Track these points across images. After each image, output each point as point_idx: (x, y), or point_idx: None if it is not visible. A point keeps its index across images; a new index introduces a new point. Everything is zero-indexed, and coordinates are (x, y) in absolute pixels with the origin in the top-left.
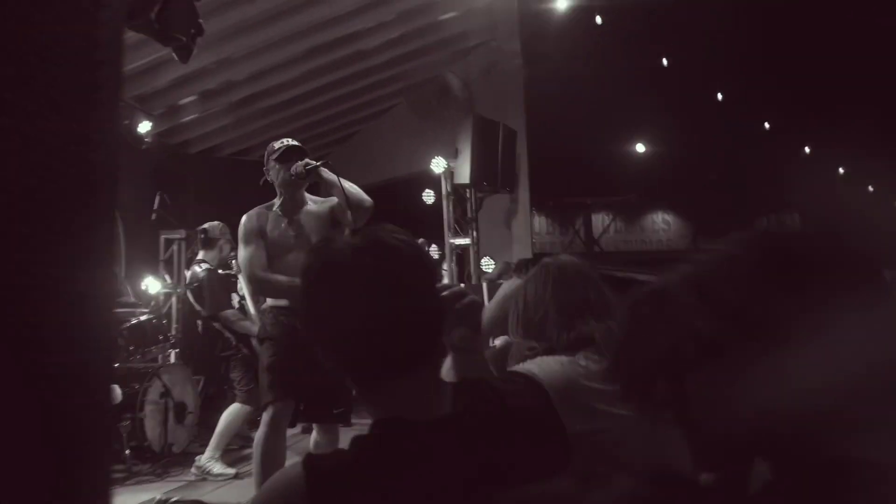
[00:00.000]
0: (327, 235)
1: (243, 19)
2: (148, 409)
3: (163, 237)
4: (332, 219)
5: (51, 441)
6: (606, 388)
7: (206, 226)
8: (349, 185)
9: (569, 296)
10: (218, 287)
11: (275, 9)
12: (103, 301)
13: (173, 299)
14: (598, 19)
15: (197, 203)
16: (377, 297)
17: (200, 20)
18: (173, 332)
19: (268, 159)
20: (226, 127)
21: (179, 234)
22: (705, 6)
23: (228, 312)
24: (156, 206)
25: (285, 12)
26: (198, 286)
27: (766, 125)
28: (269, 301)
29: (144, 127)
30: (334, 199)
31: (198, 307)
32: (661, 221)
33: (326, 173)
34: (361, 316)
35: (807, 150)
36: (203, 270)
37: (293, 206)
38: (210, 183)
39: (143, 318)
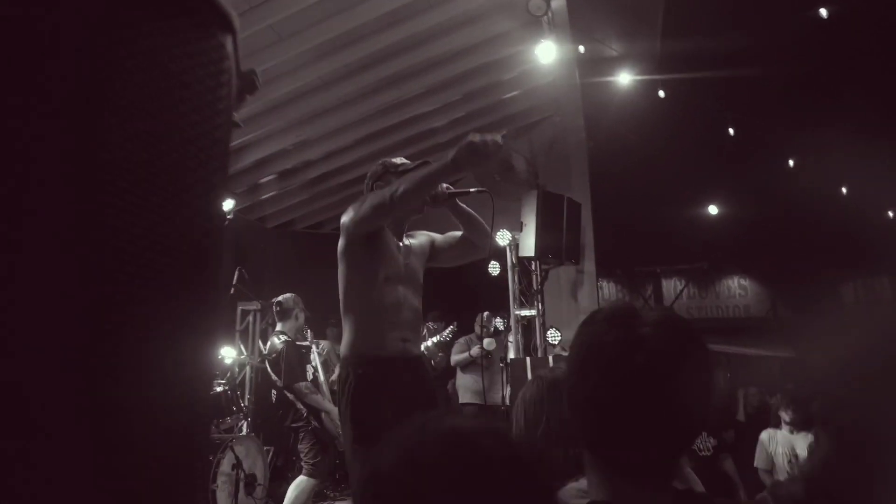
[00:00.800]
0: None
1: (320, 105)
2: (220, 480)
3: (240, 308)
4: (430, 254)
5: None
6: None
7: (280, 298)
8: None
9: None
10: (295, 359)
11: (347, 95)
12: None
13: (247, 369)
14: (661, 93)
15: (272, 275)
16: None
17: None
18: (246, 403)
19: (385, 173)
20: (301, 203)
21: (255, 305)
22: (772, 78)
23: (302, 385)
24: (234, 281)
25: (358, 98)
26: (276, 357)
27: (844, 190)
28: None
29: (228, 205)
30: (432, 234)
31: (274, 377)
32: (738, 286)
33: (461, 202)
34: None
35: (890, 213)
36: (281, 342)
37: (400, 232)
38: (285, 256)
39: (218, 388)
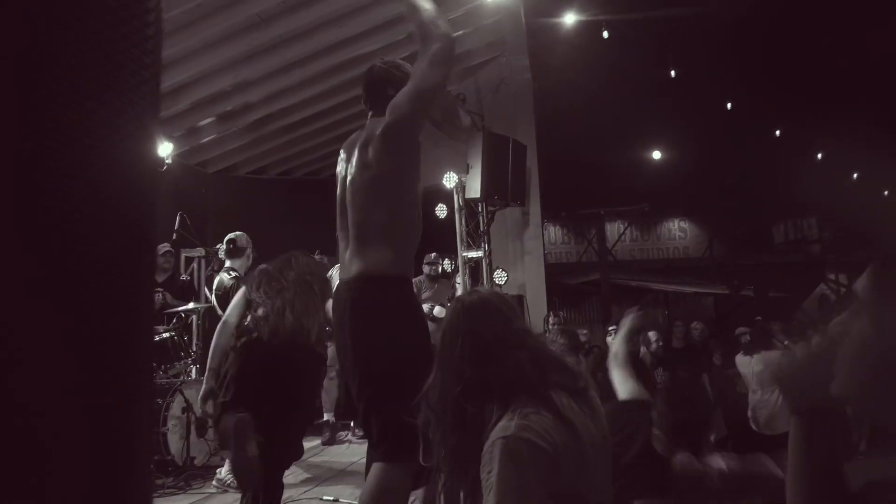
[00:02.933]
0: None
1: (258, 44)
2: (171, 423)
3: (183, 255)
4: None
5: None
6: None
7: (232, 236)
8: None
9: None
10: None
11: (289, 33)
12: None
13: (194, 316)
14: (605, 33)
15: (215, 221)
16: None
17: None
18: (194, 349)
19: (394, 73)
20: (243, 146)
21: (199, 252)
22: (709, 18)
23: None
24: (177, 226)
25: (299, 36)
26: (224, 293)
27: (777, 132)
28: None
29: (165, 149)
30: None
31: (221, 313)
32: (677, 229)
33: None
34: None
35: (819, 155)
36: (231, 278)
37: None
38: (228, 201)
39: (165, 335)
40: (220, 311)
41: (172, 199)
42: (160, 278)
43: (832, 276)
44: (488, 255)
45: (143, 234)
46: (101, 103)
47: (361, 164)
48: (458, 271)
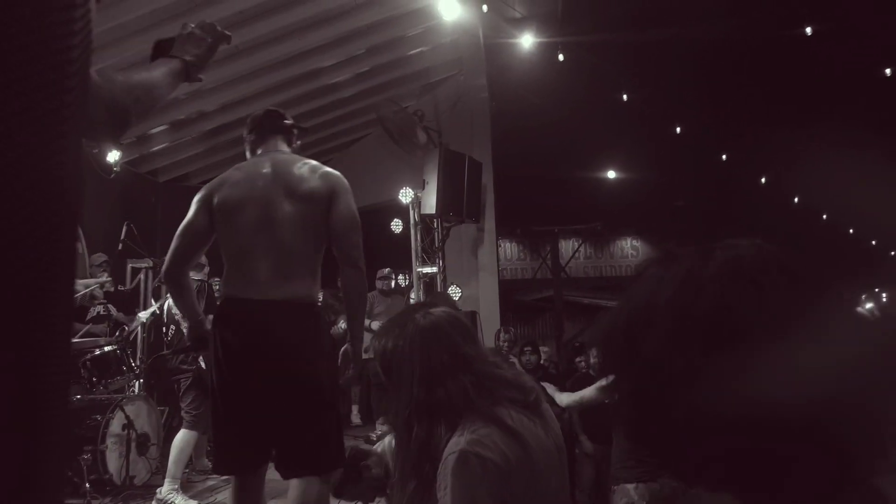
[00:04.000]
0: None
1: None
2: (110, 441)
3: (129, 266)
4: None
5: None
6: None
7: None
8: None
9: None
10: (207, 299)
11: (246, 43)
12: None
13: (139, 329)
14: (560, 56)
15: (165, 232)
16: None
17: None
18: (138, 363)
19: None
20: (196, 156)
21: (146, 262)
22: (662, 44)
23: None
24: (123, 236)
25: (256, 46)
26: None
27: (724, 156)
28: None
29: (113, 156)
30: None
31: (176, 311)
32: (630, 247)
33: None
34: None
35: (763, 179)
36: (196, 281)
37: None
38: (179, 211)
39: (106, 348)
40: (182, 320)
41: (120, 207)
42: (99, 290)
43: None
44: (443, 270)
45: (58, 237)
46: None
47: (298, 199)
48: (412, 287)
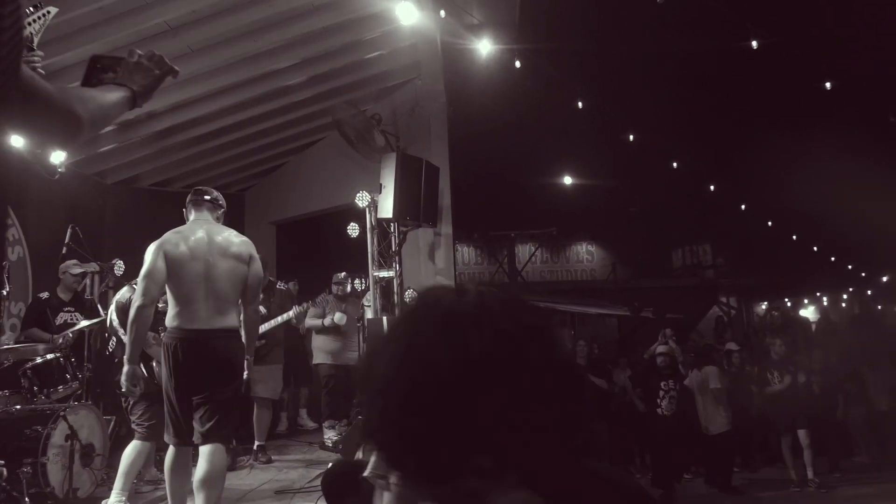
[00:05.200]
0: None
1: (165, 52)
2: (51, 452)
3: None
4: None
5: None
6: None
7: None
8: None
9: None
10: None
11: (198, 43)
12: None
13: (85, 335)
14: (518, 63)
15: (114, 235)
16: None
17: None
18: (84, 372)
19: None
20: (146, 158)
21: (92, 267)
22: (618, 54)
23: (150, 334)
24: (67, 239)
25: (209, 47)
26: (127, 303)
27: (675, 164)
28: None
29: (58, 157)
30: None
31: (118, 324)
32: (585, 252)
33: None
34: None
35: (712, 187)
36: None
37: None
38: (128, 214)
39: (49, 356)
40: (115, 321)
41: (65, 210)
42: (66, 297)
43: (724, 299)
44: (399, 275)
45: None
46: None
47: (229, 258)
48: (369, 291)
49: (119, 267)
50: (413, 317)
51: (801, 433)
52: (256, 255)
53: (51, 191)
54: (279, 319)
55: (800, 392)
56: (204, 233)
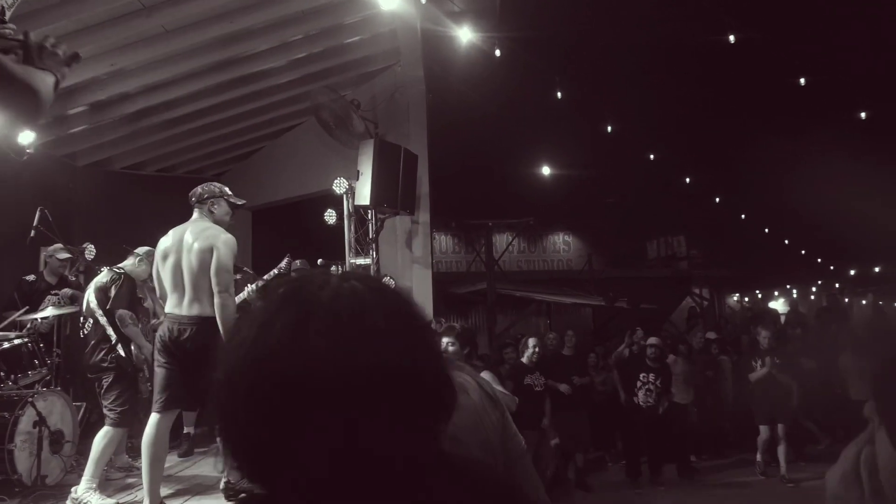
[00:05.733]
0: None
1: (139, 32)
2: (19, 439)
3: (43, 255)
4: None
5: None
6: None
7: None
8: None
9: None
10: (128, 289)
11: (173, 23)
12: None
13: (55, 320)
14: (498, 52)
15: (84, 218)
16: None
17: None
18: (54, 357)
19: (220, 198)
20: (118, 140)
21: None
22: (597, 44)
23: (127, 313)
24: (36, 222)
25: (184, 27)
26: (106, 284)
27: (651, 156)
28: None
29: (26, 137)
30: None
31: (95, 304)
32: (562, 243)
33: None
34: None
35: (687, 179)
36: (120, 272)
37: None
38: (100, 198)
39: (17, 341)
40: (93, 302)
41: (33, 192)
42: (53, 280)
43: (697, 291)
44: (376, 262)
45: None
46: None
47: (198, 250)
48: None
49: (90, 251)
50: (268, 307)
51: (780, 427)
52: (223, 242)
53: (19, 172)
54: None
55: (781, 385)
56: (187, 230)
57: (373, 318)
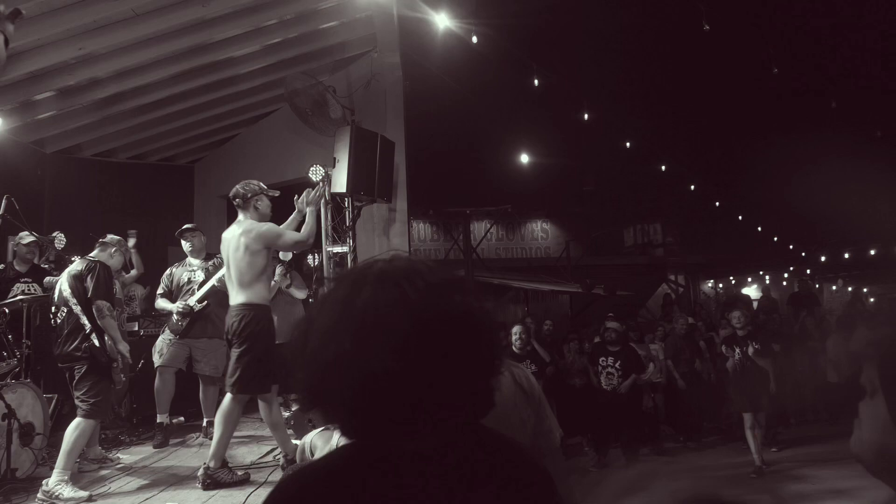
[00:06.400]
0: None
1: (109, 15)
2: None
3: (10, 243)
4: None
5: None
6: None
7: (106, 238)
8: None
9: None
10: (105, 278)
11: (144, 7)
12: None
13: (24, 310)
14: (475, 38)
15: (54, 206)
16: None
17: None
18: (23, 348)
19: (261, 194)
20: (88, 126)
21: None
22: (575, 31)
23: (105, 304)
24: (1, 211)
25: (155, 11)
26: (82, 272)
27: (627, 144)
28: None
29: None
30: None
31: (69, 293)
32: (540, 230)
33: None
34: None
35: (663, 167)
36: (94, 260)
37: None
38: (69, 185)
39: None
40: (67, 291)
41: (0, 179)
42: (22, 268)
43: (672, 277)
44: (354, 250)
45: None
46: None
47: (245, 246)
48: (322, 266)
49: (60, 240)
50: (347, 280)
51: (760, 416)
52: (255, 227)
53: None
54: (212, 281)
55: (759, 371)
56: (235, 228)
57: (434, 275)
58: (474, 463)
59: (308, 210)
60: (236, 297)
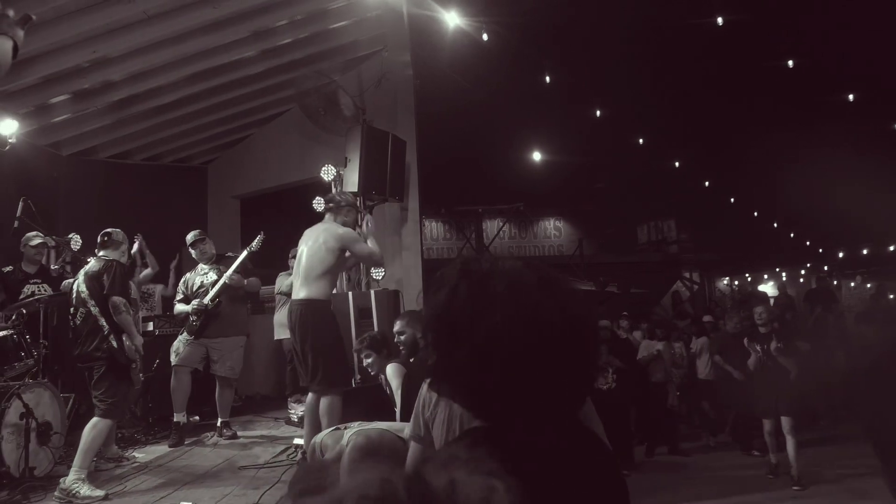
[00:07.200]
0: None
1: (121, 18)
2: (6, 431)
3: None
4: None
5: None
6: None
7: (109, 230)
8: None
9: None
10: (121, 275)
11: (156, 8)
12: None
13: (42, 311)
14: (485, 36)
15: (69, 208)
16: None
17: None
18: (41, 349)
19: (353, 206)
20: (103, 128)
21: (48, 241)
22: (587, 28)
23: (121, 301)
24: (19, 212)
25: (166, 13)
26: (99, 271)
27: (641, 141)
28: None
29: (9, 127)
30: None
31: (86, 292)
32: (553, 228)
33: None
34: None
35: (677, 164)
36: (110, 259)
37: None
38: (85, 187)
39: (1, 333)
40: (84, 291)
41: (16, 182)
42: (31, 269)
43: (687, 274)
44: None
45: None
46: None
47: (322, 242)
48: None
49: (76, 241)
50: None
51: (786, 421)
52: (342, 235)
53: (1, 163)
54: (224, 279)
55: (782, 371)
56: (318, 229)
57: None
58: (567, 450)
59: (369, 240)
60: (298, 293)
